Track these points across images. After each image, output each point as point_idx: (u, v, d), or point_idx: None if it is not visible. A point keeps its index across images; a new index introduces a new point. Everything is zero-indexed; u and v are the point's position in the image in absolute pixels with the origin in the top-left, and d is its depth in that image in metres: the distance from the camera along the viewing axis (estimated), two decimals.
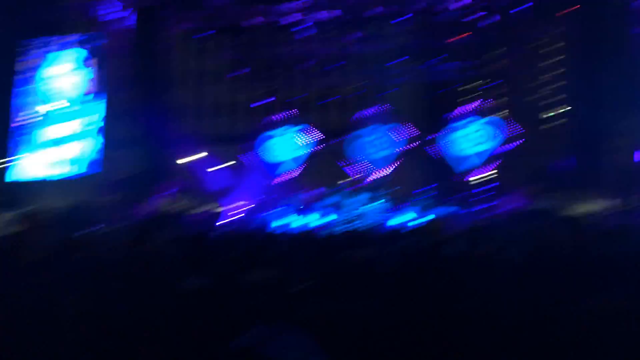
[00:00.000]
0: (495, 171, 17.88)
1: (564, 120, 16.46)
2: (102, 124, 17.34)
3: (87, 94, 17.79)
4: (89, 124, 17.69)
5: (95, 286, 4.40)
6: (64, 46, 18.40)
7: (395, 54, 17.89)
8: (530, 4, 15.07)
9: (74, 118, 17.84)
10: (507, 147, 17.32)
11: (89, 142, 17.64)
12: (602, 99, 13.00)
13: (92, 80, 17.74)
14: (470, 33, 16.70)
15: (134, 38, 17.14)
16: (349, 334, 4.45)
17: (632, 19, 12.52)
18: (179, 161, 19.48)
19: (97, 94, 17.65)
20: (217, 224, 13.35)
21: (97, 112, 17.54)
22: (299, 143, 19.59)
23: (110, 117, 17.18)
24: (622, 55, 13.23)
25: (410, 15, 16.12)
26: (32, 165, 18.44)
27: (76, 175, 17.88)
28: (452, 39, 16.85)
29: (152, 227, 5.84)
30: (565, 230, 6.42)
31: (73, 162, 17.90)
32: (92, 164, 17.50)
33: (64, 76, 18.15)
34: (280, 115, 20.50)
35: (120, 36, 16.91)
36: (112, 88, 17.10)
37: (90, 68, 17.81)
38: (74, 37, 18.37)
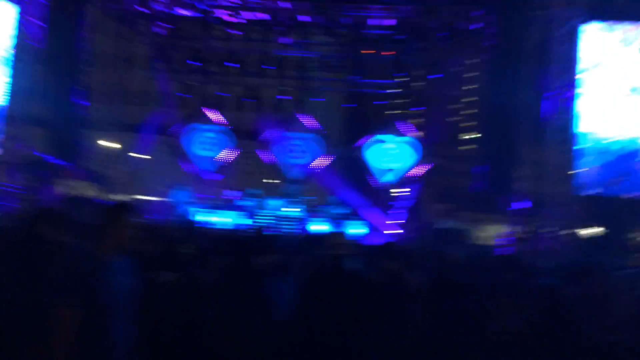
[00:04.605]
0: (408, 189, 18.46)
1: (476, 145, 17.24)
2: (5, 100, 15.91)
3: None
4: None
5: None
6: None
7: (319, 63, 18.05)
8: (447, 33, 15.77)
9: None
10: (421, 166, 17.94)
11: None
12: (513, 127, 13.81)
13: None
14: (394, 52, 17.17)
15: (48, 10, 16.03)
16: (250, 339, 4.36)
17: (545, 52, 13.41)
18: (91, 146, 18.49)
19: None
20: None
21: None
22: (216, 140, 19.20)
23: (15, 94, 15.85)
24: (535, 89, 14.14)
25: (338, 28, 16.31)
26: None
27: None
28: (375, 56, 17.24)
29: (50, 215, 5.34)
30: (467, 254, 6.68)
31: None
32: None
33: None
34: (198, 110, 20.02)
35: (33, 6, 15.73)
36: (18, 62, 15.79)
37: None
38: None
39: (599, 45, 13.18)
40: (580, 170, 12.83)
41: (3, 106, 15.73)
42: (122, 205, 3.27)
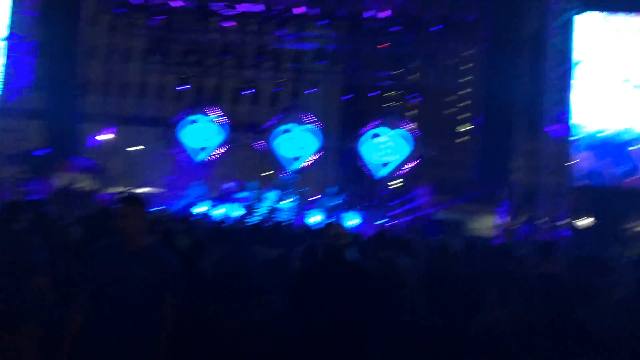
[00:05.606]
0: (402, 181, 18.52)
1: (470, 136, 17.27)
2: None
3: None
4: None
5: None
6: None
7: (315, 55, 17.98)
8: (443, 25, 15.72)
9: None
10: (415, 158, 17.98)
11: None
12: (509, 119, 13.85)
13: None
14: (389, 45, 17.12)
15: (45, 2, 15.95)
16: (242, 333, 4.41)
17: (540, 45, 13.46)
18: (85, 139, 18.45)
19: None
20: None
21: None
22: (211, 133, 19.17)
23: (10, 87, 15.80)
24: (530, 80, 14.19)
25: (333, 19, 16.26)
26: None
27: None
28: (371, 48, 17.20)
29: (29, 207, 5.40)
30: (460, 244, 6.76)
31: None
32: None
33: None
34: (194, 102, 19.97)
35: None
36: (13, 54, 15.72)
37: None
38: None
39: (593, 36, 13.22)
40: (575, 161, 12.91)
41: None
42: (136, 198, 3.23)
